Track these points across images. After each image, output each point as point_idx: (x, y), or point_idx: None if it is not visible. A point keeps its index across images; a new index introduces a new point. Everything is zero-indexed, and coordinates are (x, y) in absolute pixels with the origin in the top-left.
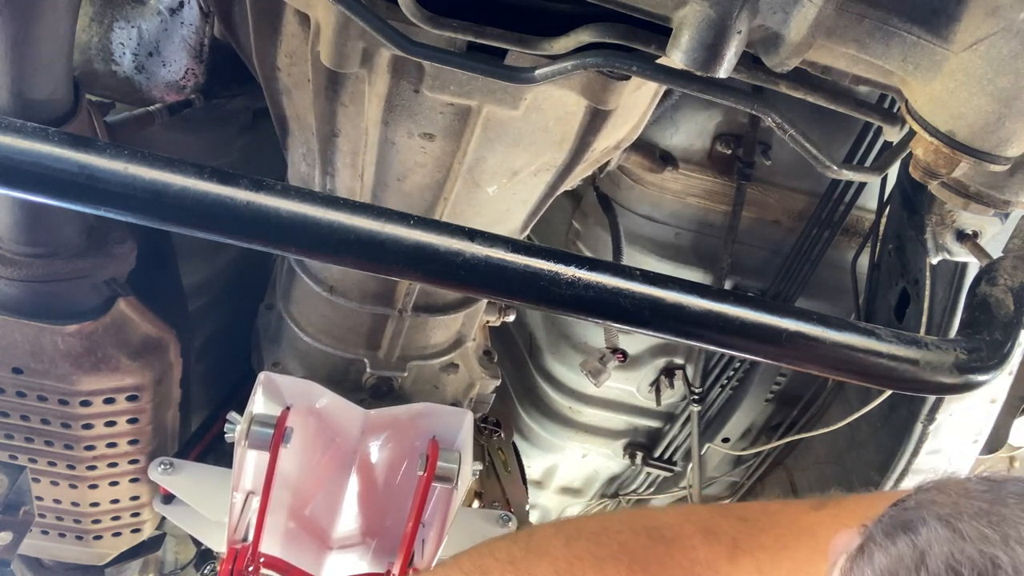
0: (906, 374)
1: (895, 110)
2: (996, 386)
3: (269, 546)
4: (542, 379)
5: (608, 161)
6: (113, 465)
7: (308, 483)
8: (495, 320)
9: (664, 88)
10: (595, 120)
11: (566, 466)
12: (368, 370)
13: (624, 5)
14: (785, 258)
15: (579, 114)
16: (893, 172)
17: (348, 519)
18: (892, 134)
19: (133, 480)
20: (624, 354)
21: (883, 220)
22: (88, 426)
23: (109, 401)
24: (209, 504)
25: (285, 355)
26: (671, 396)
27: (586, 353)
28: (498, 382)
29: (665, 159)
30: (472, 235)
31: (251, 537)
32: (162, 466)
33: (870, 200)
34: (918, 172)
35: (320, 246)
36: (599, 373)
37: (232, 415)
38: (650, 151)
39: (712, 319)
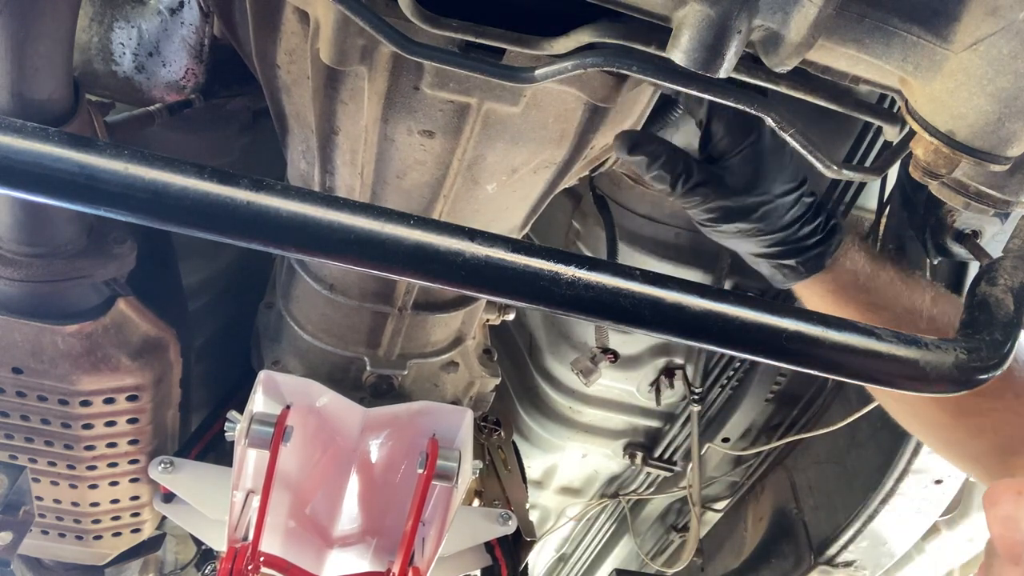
0: (906, 374)
1: (895, 110)
2: None
3: (269, 545)
4: (542, 379)
5: (605, 160)
6: (113, 465)
7: (308, 482)
8: (495, 318)
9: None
10: (594, 117)
11: (566, 466)
12: (368, 368)
13: (624, 5)
14: None
15: (578, 111)
16: (893, 172)
17: (348, 517)
18: (892, 134)
19: (133, 480)
20: (615, 355)
21: (883, 220)
22: (88, 426)
23: (109, 401)
24: (209, 503)
25: (285, 354)
26: (671, 396)
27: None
28: (498, 380)
29: None
30: (472, 235)
31: (251, 536)
32: (162, 465)
33: (870, 200)
34: (918, 172)
35: (320, 246)
36: (590, 373)
37: (232, 414)
38: None
39: (712, 319)
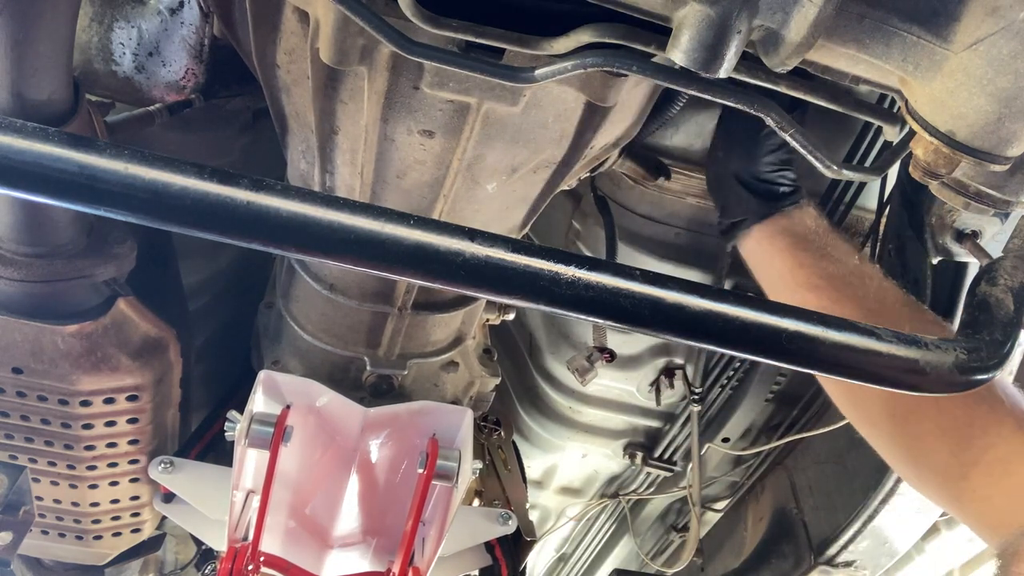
0: (906, 374)
1: (895, 110)
2: None
3: (269, 545)
4: (542, 379)
5: (605, 160)
6: (113, 465)
7: (308, 482)
8: (495, 318)
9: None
10: (593, 116)
11: (566, 466)
12: (368, 368)
13: (624, 5)
14: None
15: (578, 111)
16: (893, 172)
17: (348, 517)
18: (892, 134)
19: (133, 480)
20: (612, 354)
21: (883, 220)
22: (88, 426)
23: (109, 401)
24: (209, 503)
25: (285, 353)
26: (671, 396)
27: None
28: (498, 380)
29: (659, 169)
30: (472, 235)
31: (251, 536)
32: (162, 465)
33: (870, 200)
34: (918, 172)
35: (320, 246)
36: (586, 371)
37: (232, 414)
38: (645, 159)
39: (712, 319)
